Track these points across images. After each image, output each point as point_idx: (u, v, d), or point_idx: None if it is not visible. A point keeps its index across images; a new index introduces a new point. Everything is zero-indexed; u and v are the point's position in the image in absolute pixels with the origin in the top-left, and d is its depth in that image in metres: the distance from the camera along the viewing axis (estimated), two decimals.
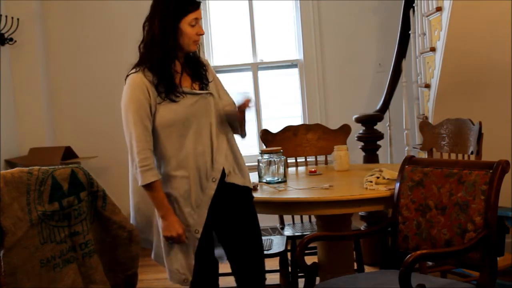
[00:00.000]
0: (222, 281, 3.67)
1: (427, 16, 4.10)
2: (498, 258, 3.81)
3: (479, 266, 2.44)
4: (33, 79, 5.03)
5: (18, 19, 4.80)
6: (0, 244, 2.60)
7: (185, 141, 2.55)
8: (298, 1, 5.25)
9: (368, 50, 5.21)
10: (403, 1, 4.58)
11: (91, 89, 5.30)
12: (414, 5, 4.38)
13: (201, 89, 2.61)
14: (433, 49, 3.99)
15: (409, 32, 4.47)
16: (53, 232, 2.76)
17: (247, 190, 2.70)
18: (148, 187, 2.52)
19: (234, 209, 2.66)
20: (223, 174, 2.61)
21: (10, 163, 4.58)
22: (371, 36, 5.21)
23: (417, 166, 2.72)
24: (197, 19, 2.55)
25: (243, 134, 2.77)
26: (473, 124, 3.18)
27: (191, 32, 2.54)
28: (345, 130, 3.87)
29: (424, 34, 4.17)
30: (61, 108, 5.29)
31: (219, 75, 5.55)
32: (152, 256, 2.77)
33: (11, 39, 4.79)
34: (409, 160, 2.76)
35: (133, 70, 2.56)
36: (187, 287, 2.69)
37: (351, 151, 3.60)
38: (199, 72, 2.65)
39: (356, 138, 4.45)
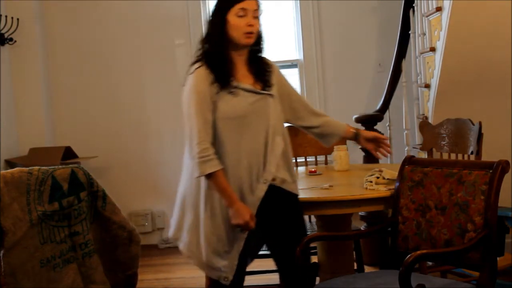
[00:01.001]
0: None
1: (427, 16, 4.10)
2: (498, 258, 3.81)
3: (479, 266, 2.44)
4: (33, 79, 5.02)
5: (18, 19, 4.80)
6: (0, 244, 2.60)
7: (240, 138, 2.55)
8: (298, 1, 5.25)
9: (368, 50, 5.21)
10: (403, 1, 4.58)
11: (91, 89, 5.30)
12: (414, 5, 4.38)
13: (263, 89, 2.62)
14: (433, 49, 3.99)
15: (409, 32, 4.46)
16: (53, 232, 2.76)
17: (295, 196, 2.69)
18: (209, 177, 2.49)
19: (283, 214, 2.64)
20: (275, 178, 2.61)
21: (10, 163, 4.58)
22: (371, 36, 5.20)
23: (417, 166, 2.72)
24: (245, 10, 2.54)
25: (328, 145, 2.92)
26: (473, 124, 3.18)
27: (239, 24, 2.54)
28: None
29: (424, 34, 4.17)
30: (61, 108, 5.29)
31: None
32: (184, 249, 2.69)
33: (11, 39, 4.79)
34: (409, 160, 2.76)
35: (198, 65, 2.59)
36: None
37: (351, 151, 3.60)
38: (263, 72, 2.66)
39: None
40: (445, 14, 3.73)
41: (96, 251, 2.88)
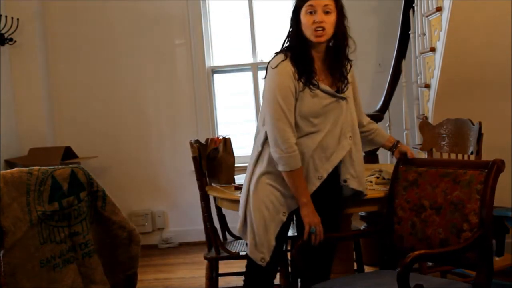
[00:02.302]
0: (222, 281, 3.68)
1: (427, 16, 4.10)
2: (498, 258, 3.81)
3: (476, 265, 2.43)
4: (33, 79, 5.03)
5: (18, 19, 4.80)
6: (0, 244, 2.60)
7: (309, 135, 2.60)
8: None
9: (368, 50, 5.20)
10: (403, 1, 4.58)
11: (91, 89, 5.30)
12: (414, 5, 4.37)
13: (338, 91, 2.65)
14: (433, 49, 3.98)
15: (409, 32, 4.46)
16: (53, 232, 2.76)
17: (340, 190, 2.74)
18: (294, 172, 2.55)
19: (325, 205, 2.67)
20: (332, 174, 2.65)
21: (10, 163, 4.58)
22: (371, 36, 5.20)
23: (412, 166, 2.71)
24: (313, 6, 2.55)
25: (365, 150, 2.91)
26: (473, 124, 3.18)
27: (308, 21, 2.57)
28: None
29: (424, 34, 4.17)
30: (61, 108, 5.29)
31: (219, 75, 5.58)
32: (238, 228, 2.78)
33: (11, 39, 4.79)
34: (404, 160, 2.76)
35: (282, 57, 2.61)
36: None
37: None
38: (341, 73, 2.67)
39: None
40: (445, 14, 3.73)
41: (96, 251, 2.88)
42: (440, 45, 3.85)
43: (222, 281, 3.67)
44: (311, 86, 2.58)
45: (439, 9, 3.84)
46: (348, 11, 5.47)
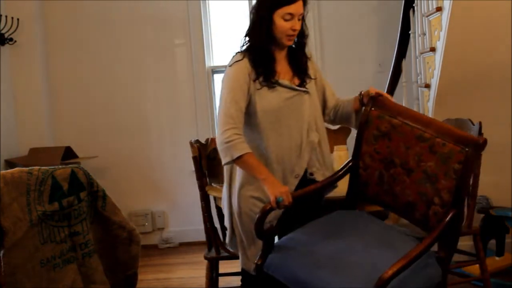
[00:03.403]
0: (222, 281, 3.68)
1: (427, 16, 4.10)
2: (498, 258, 3.81)
3: (443, 241, 2.33)
4: (33, 79, 5.03)
5: (18, 19, 4.80)
6: (0, 244, 2.60)
7: (274, 133, 2.59)
8: None
9: (368, 50, 5.20)
10: (403, 1, 4.58)
11: (91, 89, 5.30)
12: (414, 5, 4.37)
13: (300, 85, 2.65)
14: (433, 49, 3.98)
15: (409, 32, 4.46)
16: (53, 232, 2.76)
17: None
18: (241, 159, 2.50)
19: (305, 205, 2.65)
20: (307, 171, 2.66)
21: (10, 163, 4.58)
22: (371, 36, 5.20)
23: (385, 113, 2.57)
24: (292, 14, 2.56)
25: (356, 125, 2.77)
26: (473, 124, 3.18)
27: (284, 26, 2.57)
28: (345, 130, 3.87)
29: (424, 34, 4.17)
30: (61, 108, 5.29)
31: (219, 75, 5.57)
32: (227, 240, 2.77)
33: (11, 39, 4.79)
34: (376, 102, 2.61)
35: (239, 57, 2.63)
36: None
37: (350, 151, 3.60)
38: (302, 69, 2.69)
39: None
40: (445, 14, 3.73)
41: (96, 251, 2.88)
42: (440, 45, 3.85)
43: (222, 281, 3.68)
44: (269, 84, 2.58)
45: (439, 9, 3.84)
46: (348, 11, 5.50)
